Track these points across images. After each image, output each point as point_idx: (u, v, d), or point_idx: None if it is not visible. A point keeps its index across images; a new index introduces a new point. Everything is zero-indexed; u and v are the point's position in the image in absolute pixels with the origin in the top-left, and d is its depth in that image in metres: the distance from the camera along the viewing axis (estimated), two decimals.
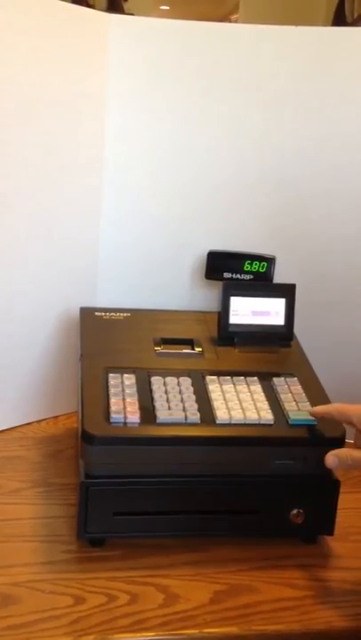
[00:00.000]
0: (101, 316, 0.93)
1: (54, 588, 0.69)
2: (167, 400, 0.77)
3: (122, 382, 0.79)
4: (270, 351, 0.89)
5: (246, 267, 0.98)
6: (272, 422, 0.76)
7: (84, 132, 0.97)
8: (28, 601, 0.67)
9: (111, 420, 0.73)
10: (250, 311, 0.91)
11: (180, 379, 0.81)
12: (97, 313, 0.93)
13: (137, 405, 0.75)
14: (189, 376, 0.82)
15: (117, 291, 1.03)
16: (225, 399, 0.79)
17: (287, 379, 0.83)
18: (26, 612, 0.66)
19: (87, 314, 0.93)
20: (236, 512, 0.77)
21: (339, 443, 0.77)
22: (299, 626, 0.67)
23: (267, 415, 0.77)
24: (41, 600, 0.67)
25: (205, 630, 0.65)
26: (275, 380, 0.83)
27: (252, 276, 0.98)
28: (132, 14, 1.11)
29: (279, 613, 0.68)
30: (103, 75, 0.97)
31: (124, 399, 0.76)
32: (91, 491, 0.73)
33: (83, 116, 0.96)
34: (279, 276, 0.98)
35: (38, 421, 1.03)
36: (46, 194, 0.95)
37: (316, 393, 0.82)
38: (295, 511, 0.76)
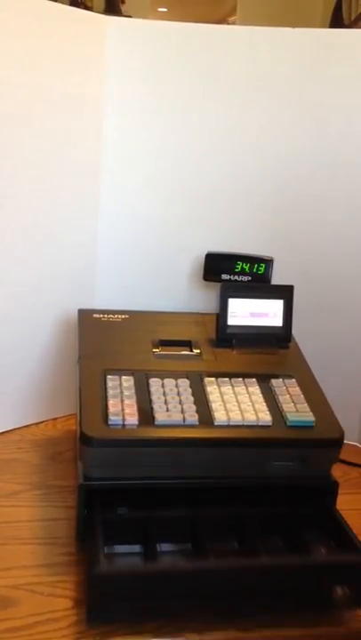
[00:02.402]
0: (99, 317, 0.93)
1: (53, 591, 0.69)
2: (165, 402, 0.77)
3: (120, 384, 0.79)
4: (268, 352, 0.89)
5: (244, 268, 0.98)
6: (270, 423, 0.76)
7: (81, 134, 0.97)
8: (26, 603, 0.67)
9: (109, 422, 0.73)
10: (248, 313, 0.91)
11: (179, 380, 0.81)
12: (95, 315, 0.93)
13: (135, 407, 0.75)
14: (188, 378, 0.82)
15: (115, 292, 1.03)
16: (223, 401, 0.79)
17: (285, 380, 0.83)
18: (25, 614, 0.66)
19: (85, 316, 0.93)
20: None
21: (337, 444, 0.77)
22: None
23: (265, 416, 0.77)
24: (40, 603, 0.67)
25: None
26: (273, 381, 0.83)
27: (250, 278, 0.98)
28: (130, 16, 1.12)
29: None
30: (101, 77, 0.97)
31: (122, 401, 0.76)
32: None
33: (80, 118, 0.97)
34: (277, 278, 0.98)
35: (37, 424, 1.03)
36: (44, 196, 0.95)
37: (314, 394, 0.82)
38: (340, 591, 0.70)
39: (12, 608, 0.66)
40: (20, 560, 0.73)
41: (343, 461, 0.94)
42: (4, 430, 0.99)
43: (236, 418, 0.76)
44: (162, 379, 0.81)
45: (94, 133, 0.99)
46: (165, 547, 0.73)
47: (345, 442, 0.78)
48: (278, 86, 0.98)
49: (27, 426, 1.02)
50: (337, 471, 0.83)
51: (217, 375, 0.83)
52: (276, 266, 0.97)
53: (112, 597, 0.64)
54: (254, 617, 0.66)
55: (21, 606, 0.67)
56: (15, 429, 1.00)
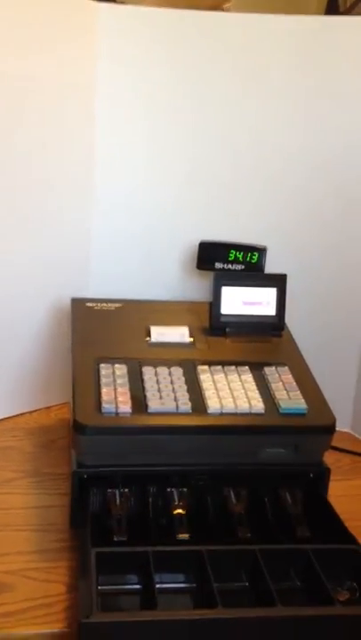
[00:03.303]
0: (93, 306, 0.93)
1: (47, 576, 0.70)
2: (159, 390, 0.77)
3: (113, 372, 0.79)
4: (262, 341, 0.90)
5: (238, 257, 0.98)
6: (263, 411, 0.77)
7: (74, 123, 0.97)
8: (21, 589, 0.68)
9: (103, 410, 0.73)
10: (241, 301, 0.91)
11: (172, 369, 0.81)
12: (88, 304, 0.94)
13: (128, 395, 0.76)
14: (181, 366, 0.82)
15: (109, 281, 1.03)
16: (216, 389, 0.79)
17: (278, 368, 0.84)
18: (19, 599, 0.66)
19: (78, 305, 0.94)
20: None
21: (329, 431, 0.77)
22: None
23: (258, 404, 0.77)
24: (34, 588, 0.68)
25: None
26: (266, 369, 0.83)
27: (243, 267, 0.98)
28: (123, 2, 1.11)
29: None
30: (93, 65, 0.97)
31: (115, 389, 0.76)
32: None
33: (73, 106, 0.96)
34: (271, 267, 0.98)
35: (30, 412, 1.03)
36: (37, 185, 0.95)
37: (306, 382, 0.82)
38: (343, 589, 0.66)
39: (7, 593, 0.67)
40: (15, 546, 0.74)
41: (336, 448, 0.94)
42: None
43: (229, 405, 0.77)
44: (155, 367, 0.81)
45: (87, 122, 0.98)
46: (167, 580, 0.67)
47: (337, 429, 0.79)
48: (273, 74, 0.98)
49: (21, 414, 1.02)
50: (329, 458, 0.83)
51: (210, 363, 0.83)
52: (269, 255, 0.97)
53: None
54: None
55: (15, 591, 0.67)
56: (9, 418, 1.01)
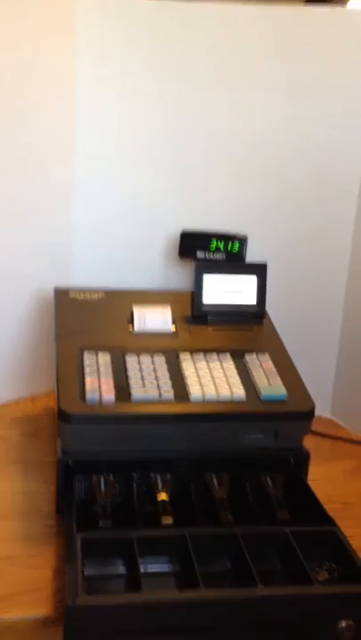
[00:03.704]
0: (76, 296, 0.94)
1: (33, 562, 0.71)
2: (142, 378, 0.79)
3: (97, 361, 0.80)
4: (243, 329, 0.91)
5: (219, 246, 0.99)
6: (244, 398, 0.78)
7: (54, 110, 0.97)
8: (8, 574, 0.69)
9: (87, 399, 0.75)
10: (222, 290, 0.92)
11: (155, 357, 0.82)
12: (71, 293, 0.94)
13: (112, 384, 0.77)
14: (163, 354, 0.83)
15: (91, 270, 1.03)
16: (198, 376, 0.80)
17: (259, 355, 0.85)
18: (6, 584, 0.68)
19: (62, 294, 0.94)
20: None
21: (309, 416, 0.79)
22: None
23: (239, 391, 0.79)
24: (20, 573, 0.69)
25: None
26: (247, 356, 0.85)
27: (224, 256, 0.99)
28: None
29: None
30: (73, 53, 0.96)
31: (99, 378, 0.77)
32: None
33: (52, 92, 0.96)
34: (251, 253, 0.99)
35: (16, 401, 1.04)
36: (17, 174, 0.95)
37: (286, 369, 0.84)
38: (344, 624, 0.64)
39: None
40: (1, 533, 0.75)
41: (316, 433, 0.96)
42: None
43: (210, 393, 0.78)
44: (138, 356, 0.82)
45: (67, 108, 0.98)
46: (152, 564, 0.68)
47: (317, 414, 0.81)
48: (252, 63, 0.98)
49: (5, 404, 1.03)
50: (310, 442, 0.85)
51: (192, 351, 0.85)
52: (250, 244, 0.99)
53: (90, 629, 0.60)
54: None
55: (2, 577, 0.69)
56: None
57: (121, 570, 0.69)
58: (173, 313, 0.91)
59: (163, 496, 0.75)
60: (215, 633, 0.63)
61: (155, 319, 0.89)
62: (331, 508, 0.76)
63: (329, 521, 0.73)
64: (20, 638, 0.65)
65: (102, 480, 0.76)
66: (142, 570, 0.65)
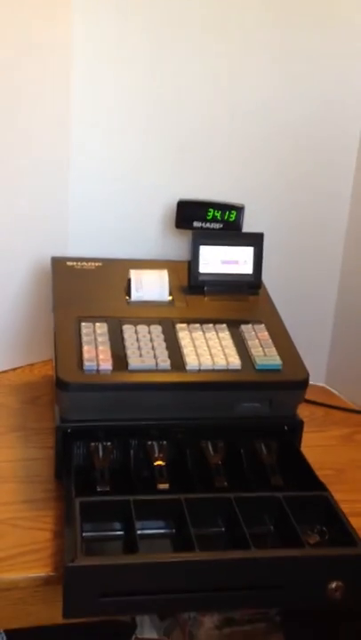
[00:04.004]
0: (73, 265, 0.94)
1: (34, 525, 0.73)
2: (138, 348, 0.80)
3: (94, 331, 0.81)
4: (239, 299, 0.92)
5: (216, 216, 0.99)
6: (239, 367, 0.80)
7: (49, 83, 0.96)
8: (9, 536, 0.71)
9: (84, 368, 0.76)
10: (219, 260, 0.93)
11: (151, 327, 0.83)
12: (68, 263, 0.95)
13: (109, 353, 0.78)
14: (160, 324, 0.84)
15: (88, 240, 1.04)
16: (194, 346, 0.81)
17: (255, 325, 0.86)
18: (7, 546, 0.70)
19: (59, 264, 0.95)
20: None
21: (303, 386, 0.81)
22: None
23: (234, 361, 0.80)
24: (21, 535, 0.71)
25: None
26: (243, 326, 0.86)
27: (221, 225, 0.99)
28: None
29: None
30: (68, 23, 0.95)
31: (96, 347, 0.79)
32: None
33: (48, 66, 0.95)
34: (248, 223, 0.99)
35: (14, 369, 1.05)
36: (13, 145, 0.94)
37: (282, 339, 0.85)
38: (334, 584, 0.66)
39: None
40: (2, 497, 0.77)
41: (310, 401, 0.98)
42: None
43: (206, 362, 0.79)
44: (135, 325, 0.83)
45: (63, 82, 0.97)
46: (148, 527, 0.70)
47: (312, 383, 0.82)
48: (248, 32, 0.97)
49: (4, 371, 1.04)
50: (304, 411, 0.87)
51: (188, 321, 0.85)
52: (246, 214, 0.99)
53: (88, 589, 0.62)
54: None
55: (4, 539, 0.71)
56: None
57: (118, 533, 0.71)
58: (170, 282, 0.91)
59: (159, 462, 0.77)
60: (209, 593, 0.66)
61: (152, 282, 0.89)
62: (323, 474, 0.78)
63: (321, 486, 0.75)
64: (22, 597, 0.68)
65: (100, 447, 0.77)
66: (139, 532, 0.67)
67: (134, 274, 0.89)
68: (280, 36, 0.97)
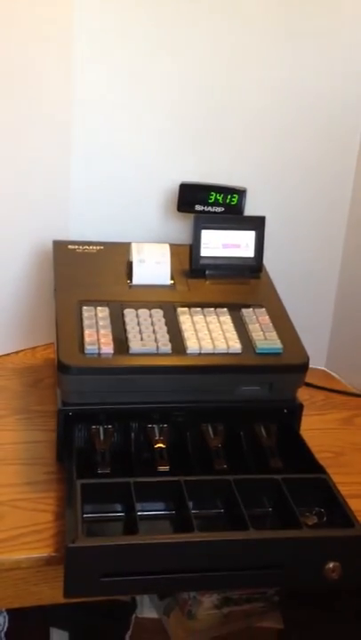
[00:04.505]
0: (74, 249, 0.95)
1: (35, 506, 0.74)
2: (140, 331, 0.80)
3: (96, 315, 0.82)
4: (240, 283, 0.92)
5: (218, 199, 0.99)
6: (240, 351, 0.80)
7: (50, 64, 0.95)
8: (11, 517, 0.72)
9: (86, 351, 0.76)
10: (220, 244, 0.93)
11: (152, 310, 0.84)
12: (70, 246, 0.95)
13: (110, 337, 0.78)
14: (161, 308, 0.84)
15: (89, 223, 1.04)
16: (195, 330, 0.82)
17: (256, 309, 0.87)
18: (9, 527, 0.71)
19: (60, 247, 0.95)
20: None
21: (303, 369, 0.81)
22: None
23: (235, 344, 0.80)
24: (23, 516, 0.72)
25: None
26: (243, 310, 0.86)
27: (223, 209, 0.99)
28: None
29: None
30: (70, 4, 0.94)
31: (97, 331, 0.79)
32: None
33: (49, 46, 0.94)
34: (249, 207, 0.99)
35: (16, 352, 1.06)
36: (14, 126, 0.94)
37: (282, 323, 0.85)
38: (331, 565, 0.67)
39: None
40: (4, 479, 0.78)
41: (310, 385, 0.99)
42: None
43: (207, 346, 0.80)
44: (136, 309, 0.83)
45: (64, 62, 0.96)
46: (148, 509, 0.71)
47: (312, 366, 0.82)
48: (253, 13, 0.96)
49: (6, 354, 1.05)
50: (304, 394, 0.88)
51: (190, 305, 0.86)
52: (248, 197, 0.98)
53: (88, 569, 0.63)
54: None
55: (6, 520, 0.72)
56: None
57: (119, 514, 0.72)
58: (171, 266, 0.91)
59: (159, 444, 0.78)
60: (208, 573, 0.67)
61: (153, 251, 0.89)
62: (322, 457, 0.79)
63: (319, 469, 0.76)
64: (24, 577, 0.69)
65: (101, 430, 0.78)
66: (139, 513, 0.68)
67: (136, 245, 0.89)
68: (284, 15, 0.96)
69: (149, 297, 0.87)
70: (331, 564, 0.66)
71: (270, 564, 0.67)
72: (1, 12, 0.88)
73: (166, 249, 0.90)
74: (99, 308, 0.83)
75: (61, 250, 0.94)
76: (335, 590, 0.87)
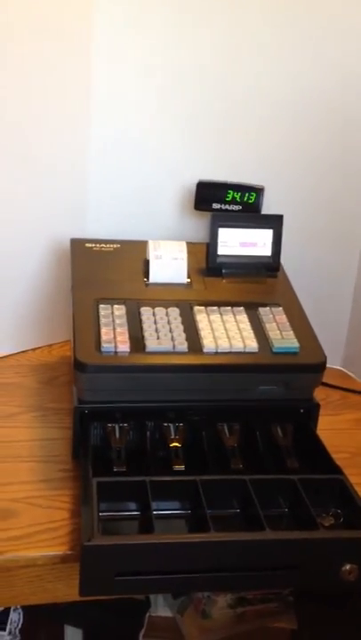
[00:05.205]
0: (92, 247, 0.95)
1: (51, 504, 0.74)
2: (156, 330, 0.80)
3: (112, 313, 0.82)
4: (257, 281, 0.92)
5: (235, 197, 0.98)
6: (257, 350, 0.80)
7: (68, 58, 0.95)
8: (27, 515, 0.72)
9: (102, 350, 0.76)
10: (238, 242, 0.92)
11: (169, 309, 0.83)
12: (87, 244, 0.95)
13: (127, 335, 0.78)
14: (178, 306, 0.84)
15: (107, 221, 1.04)
16: (212, 329, 0.81)
17: (272, 308, 0.86)
18: (25, 524, 0.71)
19: (78, 245, 0.95)
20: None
21: (320, 369, 0.80)
22: None
23: (251, 343, 0.80)
24: (39, 514, 0.73)
25: None
26: (260, 309, 0.86)
27: (240, 207, 0.98)
28: None
29: None
30: (89, 5, 0.94)
31: (114, 329, 0.79)
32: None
33: (67, 39, 0.94)
34: (267, 205, 0.98)
35: (33, 349, 1.06)
36: (32, 124, 0.94)
37: (299, 322, 0.85)
38: (348, 567, 0.66)
39: (13, 519, 0.72)
40: (20, 476, 0.78)
41: (326, 384, 0.98)
42: (2, 355, 1.03)
43: (223, 345, 0.79)
44: (153, 307, 0.83)
45: (82, 57, 0.96)
46: (164, 508, 0.71)
47: (329, 366, 0.82)
48: (273, 7, 0.95)
49: (23, 351, 1.05)
50: (320, 393, 0.87)
51: (206, 304, 0.85)
52: (266, 195, 0.98)
53: (104, 567, 0.63)
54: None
55: (21, 517, 0.72)
56: (12, 355, 1.04)
57: (134, 513, 0.72)
58: (188, 265, 0.91)
59: (175, 443, 0.78)
60: (223, 573, 0.66)
61: (169, 247, 0.89)
62: (339, 457, 0.78)
63: (336, 469, 0.75)
64: (39, 574, 0.69)
65: (117, 428, 0.78)
66: (155, 512, 0.68)
67: (153, 242, 0.89)
68: (306, 11, 0.94)
69: (166, 295, 0.86)
70: (348, 566, 0.66)
71: (286, 565, 0.67)
72: (19, 12, 0.88)
73: (183, 245, 0.90)
74: (115, 306, 0.83)
75: (79, 248, 0.94)
76: (350, 591, 0.86)
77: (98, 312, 0.82)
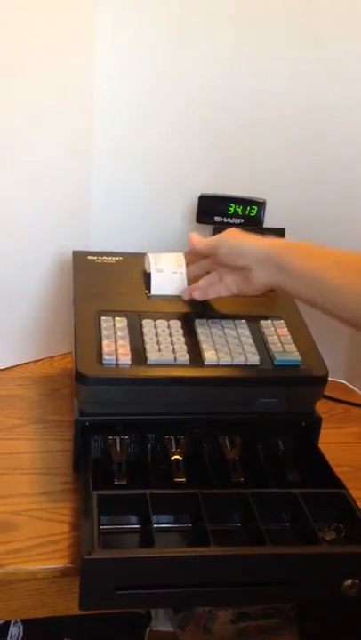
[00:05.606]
0: (94, 259, 0.95)
1: (52, 516, 0.74)
2: (158, 342, 0.80)
3: (114, 325, 0.82)
4: (259, 295, 0.91)
5: (237, 211, 0.99)
6: (258, 363, 0.79)
7: (72, 70, 0.96)
8: (27, 527, 0.72)
9: (103, 362, 0.76)
10: None
11: (171, 321, 0.84)
12: (89, 257, 0.95)
13: (128, 347, 0.78)
14: (179, 319, 0.84)
15: (109, 233, 1.04)
16: (213, 341, 0.81)
17: (274, 321, 0.86)
18: (25, 537, 0.71)
19: (80, 257, 0.95)
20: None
21: (321, 382, 0.80)
22: None
23: (253, 356, 0.80)
24: (39, 527, 0.72)
25: None
26: (262, 322, 0.86)
27: (242, 220, 0.99)
28: None
29: None
30: (92, 7, 0.95)
31: (115, 341, 0.79)
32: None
33: (70, 51, 0.95)
34: (269, 219, 0.99)
35: (35, 361, 1.06)
36: (35, 135, 0.95)
37: (301, 335, 0.85)
38: (349, 582, 0.65)
39: (14, 532, 0.71)
40: (20, 488, 0.78)
41: (329, 397, 0.98)
42: (3, 367, 1.03)
43: (225, 358, 0.79)
44: (154, 320, 0.83)
45: (86, 69, 0.97)
46: (164, 521, 0.71)
47: (331, 379, 0.82)
48: (274, 18, 0.96)
49: (25, 363, 1.05)
50: (323, 407, 0.86)
51: (208, 316, 0.85)
52: (268, 208, 0.98)
53: (104, 581, 0.63)
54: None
55: (22, 530, 0.72)
56: (13, 367, 1.04)
57: (135, 525, 0.71)
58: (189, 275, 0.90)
59: (176, 456, 0.78)
60: (224, 588, 0.66)
61: (169, 259, 0.89)
62: (341, 471, 0.78)
63: (338, 484, 0.75)
64: (39, 587, 0.69)
65: (118, 440, 0.78)
66: (155, 525, 0.68)
67: (153, 255, 0.90)
68: (310, 24, 0.95)
69: (168, 308, 0.86)
70: (349, 581, 0.65)
71: (287, 580, 0.66)
72: (20, 10, 0.88)
73: (182, 260, 0.90)
74: (117, 318, 0.83)
75: (81, 260, 0.95)
76: (351, 607, 0.85)
77: (99, 324, 0.82)
